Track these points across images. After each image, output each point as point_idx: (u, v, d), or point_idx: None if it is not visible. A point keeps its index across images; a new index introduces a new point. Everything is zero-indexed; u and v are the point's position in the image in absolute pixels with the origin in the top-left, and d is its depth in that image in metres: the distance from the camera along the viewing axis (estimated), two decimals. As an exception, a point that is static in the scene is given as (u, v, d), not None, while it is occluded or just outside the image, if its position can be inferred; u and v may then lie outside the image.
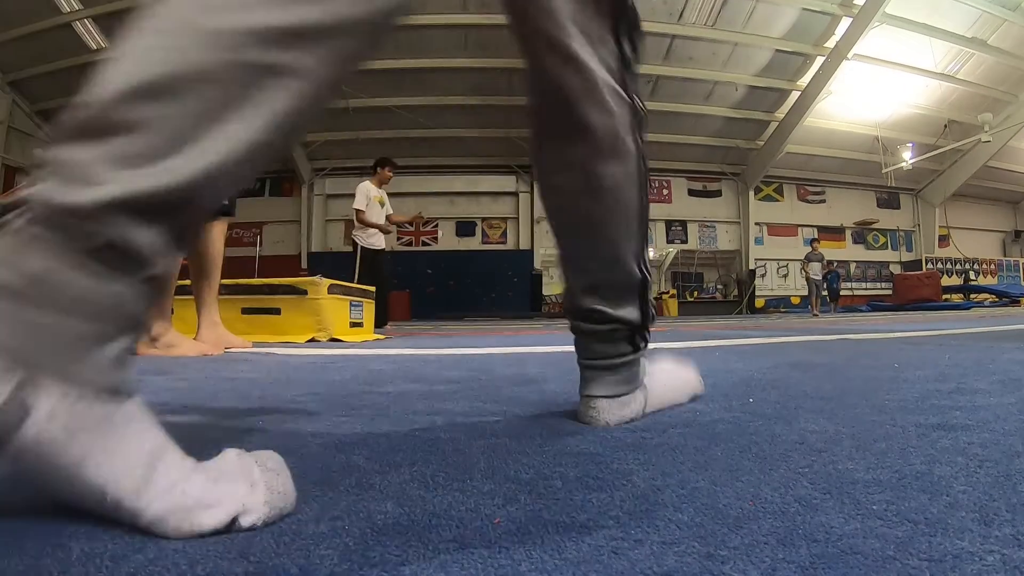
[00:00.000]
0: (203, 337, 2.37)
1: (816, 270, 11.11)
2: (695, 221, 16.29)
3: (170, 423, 0.84)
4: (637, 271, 0.83)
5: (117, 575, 0.35)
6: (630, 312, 0.82)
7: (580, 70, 0.71)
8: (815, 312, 10.58)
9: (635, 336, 0.84)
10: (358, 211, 5.42)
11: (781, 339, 2.83)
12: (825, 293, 11.37)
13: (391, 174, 5.69)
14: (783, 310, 15.10)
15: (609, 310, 0.81)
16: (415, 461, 0.63)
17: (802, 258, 11.88)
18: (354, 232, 5.59)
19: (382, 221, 5.61)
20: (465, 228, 15.66)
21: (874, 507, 0.45)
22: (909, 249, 17.43)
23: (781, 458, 0.61)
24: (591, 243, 0.82)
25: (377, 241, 5.58)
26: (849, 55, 11.70)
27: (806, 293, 11.55)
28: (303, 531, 0.42)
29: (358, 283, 5.32)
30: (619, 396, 0.82)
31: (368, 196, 5.45)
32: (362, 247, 5.49)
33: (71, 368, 0.40)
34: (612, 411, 0.81)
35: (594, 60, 0.72)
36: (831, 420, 0.80)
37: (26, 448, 0.39)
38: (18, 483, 0.54)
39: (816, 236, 14.07)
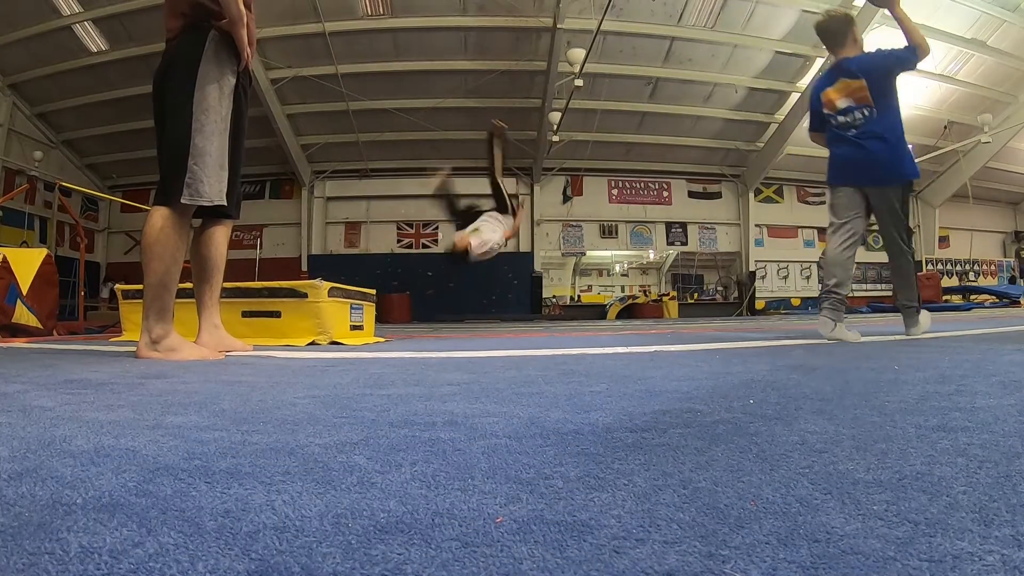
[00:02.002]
0: (204, 340, 2.37)
1: None
2: (695, 223, 16.28)
3: (171, 426, 0.84)
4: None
5: (116, 571, 0.35)
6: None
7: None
8: None
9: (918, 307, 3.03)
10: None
11: (781, 341, 2.83)
12: None
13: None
14: (783, 312, 15.08)
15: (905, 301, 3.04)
16: (416, 461, 0.63)
17: (816, 260, 11.78)
18: (479, 254, 5.55)
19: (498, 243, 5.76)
20: (465, 230, 15.64)
21: (875, 507, 0.45)
22: (909, 250, 17.42)
23: (782, 458, 0.61)
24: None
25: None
26: (849, 57, 11.67)
27: (807, 295, 11.45)
28: (306, 528, 0.42)
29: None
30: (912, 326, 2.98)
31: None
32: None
33: None
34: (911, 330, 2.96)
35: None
36: (831, 421, 0.80)
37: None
38: (17, 477, 0.54)
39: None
